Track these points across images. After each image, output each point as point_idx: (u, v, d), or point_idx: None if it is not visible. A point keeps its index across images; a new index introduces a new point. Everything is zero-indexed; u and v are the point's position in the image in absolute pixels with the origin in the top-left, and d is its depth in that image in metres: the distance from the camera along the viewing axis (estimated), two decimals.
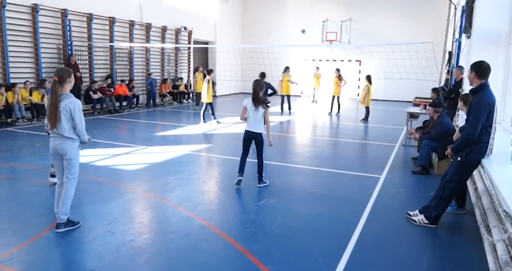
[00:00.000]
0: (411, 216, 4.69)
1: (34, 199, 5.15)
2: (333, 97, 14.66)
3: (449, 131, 6.20)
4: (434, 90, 8.19)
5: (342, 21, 20.29)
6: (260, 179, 5.89)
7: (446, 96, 8.31)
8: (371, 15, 20.27)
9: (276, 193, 5.59)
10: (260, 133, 5.72)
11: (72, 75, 4.14)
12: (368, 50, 18.28)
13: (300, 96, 21.12)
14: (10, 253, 3.66)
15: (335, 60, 20.12)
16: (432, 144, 6.52)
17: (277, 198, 5.39)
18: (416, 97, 19.08)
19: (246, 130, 5.75)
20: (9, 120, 10.63)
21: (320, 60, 20.55)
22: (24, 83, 11.20)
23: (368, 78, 12.72)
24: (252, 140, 5.77)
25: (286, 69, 14.85)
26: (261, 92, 5.75)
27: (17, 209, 4.77)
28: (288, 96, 14.66)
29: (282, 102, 14.60)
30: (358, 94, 13.48)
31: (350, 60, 20.22)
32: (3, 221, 4.46)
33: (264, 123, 5.74)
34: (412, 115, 9.24)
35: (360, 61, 20.36)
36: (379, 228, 4.49)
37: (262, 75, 10.21)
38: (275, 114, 13.79)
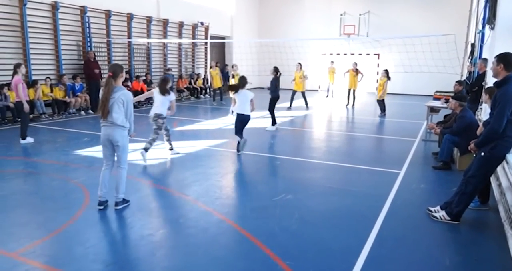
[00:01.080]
0: (432, 212, 4.60)
1: (56, 193, 5.25)
2: (349, 90, 14.54)
3: (471, 125, 6.04)
4: (459, 82, 7.99)
5: (360, 14, 19.98)
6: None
7: (468, 90, 8.10)
8: (390, 8, 19.88)
9: (293, 188, 5.56)
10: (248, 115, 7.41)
11: (124, 71, 4.56)
12: (387, 43, 17.95)
13: (317, 90, 20.94)
14: (34, 246, 3.75)
15: (353, 54, 19.85)
16: (454, 138, 6.37)
17: (294, 193, 5.36)
18: (437, 91, 18.68)
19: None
20: (31, 116, 10.85)
21: (338, 54, 20.30)
22: (45, 79, 11.41)
23: (387, 72, 12.60)
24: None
25: (298, 65, 14.61)
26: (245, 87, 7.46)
27: (40, 203, 4.88)
28: (303, 92, 14.43)
29: (292, 98, 14.37)
30: (377, 88, 13.25)
31: (368, 54, 19.91)
32: (27, 214, 4.57)
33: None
34: (433, 110, 9.05)
35: (378, 54, 20.03)
36: (399, 224, 4.41)
37: (276, 69, 10.16)
38: (292, 109, 13.73)
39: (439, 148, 6.88)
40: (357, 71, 14.41)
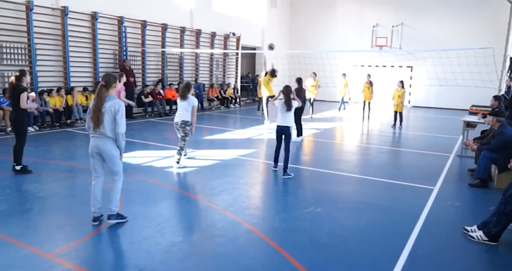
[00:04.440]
0: (468, 231, 4.43)
1: (90, 197, 5.39)
2: (364, 103, 14.34)
3: (511, 142, 5.81)
4: (496, 98, 7.73)
5: (393, 26, 19.72)
6: (285, 171, 6.62)
7: (507, 105, 7.80)
8: (424, 19, 19.53)
9: (323, 201, 5.50)
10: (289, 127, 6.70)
11: (117, 81, 4.37)
12: (421, 56, 17.60)
13: (347, 102, 20.70)
14: (69, 247, 3.87)
15: (384, 66, 19.59)
16: (492, 155, 6.14)
17: (324, 206, 5.29)
18: (473, 106, 18.13)
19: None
20: (68, 121, 11.29)
21: (369, 66, 20.07)
22: (83, 89, 11.86)
23: (402, 83, 12.69)
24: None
25: (313, 74, 14.69)
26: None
27: (75, 206, 5.03)
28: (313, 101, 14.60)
29: (312, 107, 14.62)
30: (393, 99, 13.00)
31: (401, 66, 19.60)
32: (63, 217, 4.73)
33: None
34: (469, 125, 8.77)
35: (411, 67, 19.66)
36: (433, 243, 4.27)
37: (299, 80, 10.06)
38: (315, 121, 13.64)
39: (476, 164, 6.64)
40: (370, 83, 14.22)
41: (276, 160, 6.93)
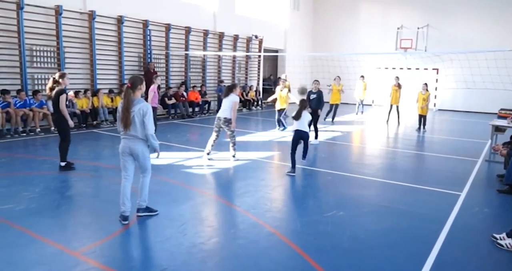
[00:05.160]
0: (497, 239, 4.29)
1: (116, 196, 5.47)
2: (391, 106, 13.96)
3: None
4: None
5: (418, 28, 19.37)
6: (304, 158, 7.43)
7: None
8: (451, 21, 19.10)
9: (345, 205, 5.43)
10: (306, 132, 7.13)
11: (143, 83, 4.53)
12: (448, 58, 17.23)
13: (370, 105, 20.44)
14: (94, 246, 3.95)
15: (409, 69, 19.24)
16: None
17: (347, 210, 5.23)
18: (502, 109, 17.61)
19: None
20: (94, 122, 11.56)
21: (394, 68, 19.74)
22: (109, 91, 12.13)
23: (427, 86, 12.44)
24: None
25: (338, 78, 14.28)
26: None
27: (101, 205, 5.15)
28: (337, 105, 14.07)
29: (329, 111, 14.06)
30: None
31: (426, 69, 19.18)
32: (89, 216, 4.84)
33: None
34: (498, 129, 8.50)
35: (437, 69, 19.22)
36: (460, 250, 4.16)
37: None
38: (335, 124, 13.51)
39: (505, 170, 6.43)
40: (399, 86, 13.76)
41: (293, 164, 6.93)
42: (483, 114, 17.83)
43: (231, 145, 7.71)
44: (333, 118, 14.17)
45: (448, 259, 3.92)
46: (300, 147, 7.19)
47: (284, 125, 11.67)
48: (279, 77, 15.15)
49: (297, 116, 7.07)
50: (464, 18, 18.79)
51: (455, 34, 18.72)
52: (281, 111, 11.65)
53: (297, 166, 7.42)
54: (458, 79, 14.97)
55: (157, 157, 4.73)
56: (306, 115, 7.16)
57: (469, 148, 9.81)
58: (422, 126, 12.40)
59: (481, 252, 4.15)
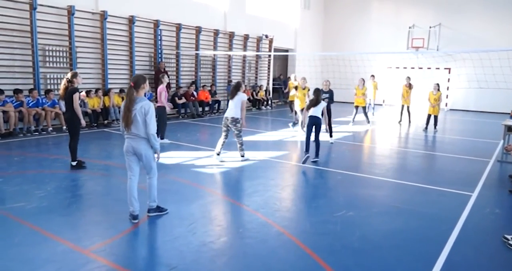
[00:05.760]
0: (508, 240, 4.23)
1: (125, 196, 5.54)
2: (403, 106, 13.79)
3: None
4: None
5: (430, 27, 19.17)
6: (316, 155, 7.75)
7: None
8: (463, 20, 18.85)
9: (355, 205, 5.41)
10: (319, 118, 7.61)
11: (147, 82, 4.48)
12: (460, 57, 17.01)
13: (381, 105, 20.30)
14: (104, 244, 3.99)
15: (421, 68, 19.05)
16: None
17: (357, 210, 5.20)
18: None
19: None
20: (105, 122, 11.68)
21: (405, 67, 19.58)
22: (120, 91, 12.24)
23: (438, 86, 12.20)
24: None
25: (362, 81, 13.11)
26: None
27: (111, 204, 5.20)
28: (364, 107, 13.27)
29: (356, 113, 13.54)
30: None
31: (438, 68, 18.99)
32: (100, 214, 4.89)
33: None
34: (510, 129, 8.38)
35: (449, 69, 19.00)
36: (470, 251, 4.11)
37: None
38: (347, 124, 13.43)
39: None
40: (410, 86, 13.53)
41: (307, 148, 7.58)
42: (495, 114, 17.57)
43: (238, 145, 7.71)
44: (353, 120, 13.39)
45: (459, 259, 3.88)
46: (312, 147, 7.42)
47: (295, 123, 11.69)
48: (289, 77, 15.07)
49: (315, 103, 7.59)
50: (477, 17, 18.53)
51: (468, 33, 18.48)
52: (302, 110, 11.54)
53: (307, 165, 7.44)
54: (471, 78, 14.77)
55: (157, 161, 4.66)
56: (322, 103, 7.72)
57: (481, 148, 9.68)
58: (433, 127, 12.27)
59: (493, 253, 4.10)
